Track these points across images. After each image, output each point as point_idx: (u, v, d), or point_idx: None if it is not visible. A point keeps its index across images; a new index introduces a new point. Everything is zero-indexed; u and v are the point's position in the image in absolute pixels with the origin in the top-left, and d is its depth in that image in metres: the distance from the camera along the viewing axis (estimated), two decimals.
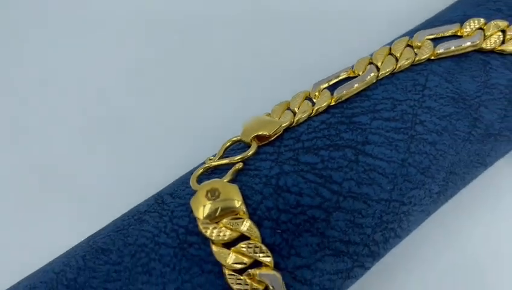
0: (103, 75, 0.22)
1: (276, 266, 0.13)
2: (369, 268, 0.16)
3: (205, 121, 0.20)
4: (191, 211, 0.14)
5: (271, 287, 0.13)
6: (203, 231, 0.13)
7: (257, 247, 0.13)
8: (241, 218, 0.13)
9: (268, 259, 0.13)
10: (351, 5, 0.23)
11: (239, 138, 0.15)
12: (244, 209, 0.13)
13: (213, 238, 0.13)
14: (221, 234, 0.13)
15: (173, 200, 0.14)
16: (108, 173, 0.20)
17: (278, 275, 0.13)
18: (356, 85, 0.16)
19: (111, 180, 0.19)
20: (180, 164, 0.17)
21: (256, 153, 0.15)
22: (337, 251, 0.14)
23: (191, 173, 0.16)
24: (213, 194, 0.13)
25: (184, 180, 0.15)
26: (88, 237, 0.15)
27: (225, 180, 0.14)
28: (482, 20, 0.17)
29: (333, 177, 0.14)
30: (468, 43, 0.17)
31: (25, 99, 0.22)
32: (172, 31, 0.23)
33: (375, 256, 0.15)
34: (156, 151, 0.20)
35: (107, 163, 0.20)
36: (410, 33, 0.18)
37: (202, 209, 0.13)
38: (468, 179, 0.17)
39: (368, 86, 0.16)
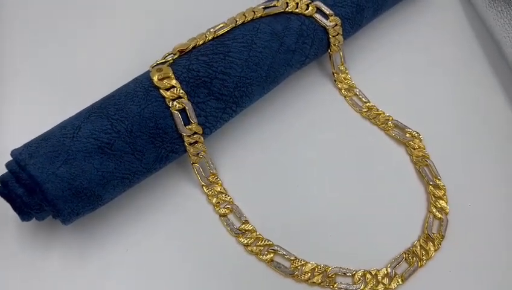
0: None
1: (189, 100, 0.31)
2: (235, 111, 0.33)
3: (159, 45, 0.37)
4: (151, 79, 0.31)
5: (186, 108, 0.30)
6: (156, 84, 0.30)
7: (179, 90, 0.30)
8: (172, 79, 0.31)
9: (184, 94, 0.31)
10: None
11: (171, 51, 0.33)
12: (173, 76, 0.31)
13: (160, 86, 0.30)
14: (164, 85, 0.30)
15: (142, 77, 0.32)
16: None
17: (189, 102, 0.31)
18: (226, 29, 0.34)
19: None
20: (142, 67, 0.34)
21: (178, 57, 0.32)
22: (217, 98, 0.32)
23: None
24: (159, 70, 0.31)
25: (145, 73, 0.33)
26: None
27: (165, 66, 0.31)
28: None
29: (214, 65, 0.32)
30: (279, 8, 0.35)
31: None
32: None
33: (237, 104, 0.33)
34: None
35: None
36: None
37: (155, 76, 0.31)
38: (281, 72, 0.35)
39: (232, 29, 0.34)
